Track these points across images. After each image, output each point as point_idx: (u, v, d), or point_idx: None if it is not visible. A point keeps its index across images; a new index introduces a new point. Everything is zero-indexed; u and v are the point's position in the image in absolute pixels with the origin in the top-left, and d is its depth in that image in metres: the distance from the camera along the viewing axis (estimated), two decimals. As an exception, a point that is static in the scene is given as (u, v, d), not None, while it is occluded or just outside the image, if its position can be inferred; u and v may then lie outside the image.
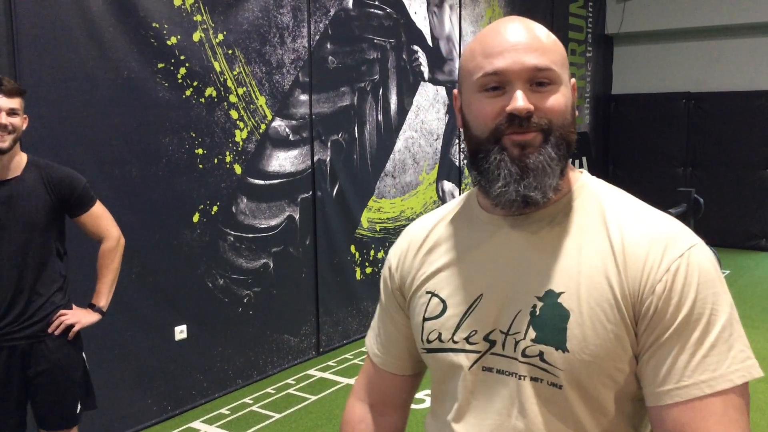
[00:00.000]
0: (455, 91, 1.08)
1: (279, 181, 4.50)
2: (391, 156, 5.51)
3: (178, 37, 3.79)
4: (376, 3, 5.22)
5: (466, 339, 1.05)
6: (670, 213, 3.44)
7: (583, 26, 8.58)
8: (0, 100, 2.33)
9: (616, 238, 0.98)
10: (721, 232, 8.30)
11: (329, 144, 4.88)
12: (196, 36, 3.89)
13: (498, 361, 1.03)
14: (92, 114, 3.40)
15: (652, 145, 9.04)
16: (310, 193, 4.74)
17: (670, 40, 8.86)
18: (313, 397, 4.20)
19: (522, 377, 1.00)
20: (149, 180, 3.70)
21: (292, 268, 4.65)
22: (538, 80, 0.97)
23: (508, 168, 0.97)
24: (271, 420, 3.90)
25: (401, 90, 5.53)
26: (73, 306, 2.60)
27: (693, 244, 0.97)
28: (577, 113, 1.08)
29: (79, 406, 2.58)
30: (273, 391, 4.30)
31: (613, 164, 9.44)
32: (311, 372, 4.61)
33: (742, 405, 0.93)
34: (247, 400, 4.18)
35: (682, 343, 0.93)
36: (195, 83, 3.90)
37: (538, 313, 0.99)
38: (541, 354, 0.98)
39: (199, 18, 3.90)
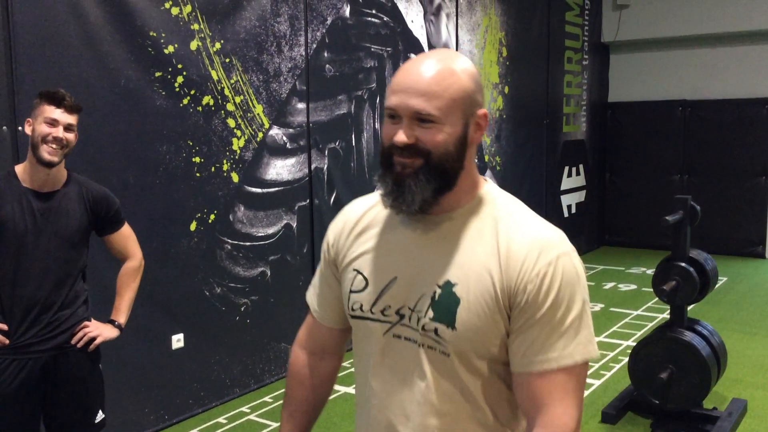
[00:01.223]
0: None
1: (276, 189, 4.50)
2: (389, 164, 5.51)
3: (176, 45, 3.79)
4: (373, 11, 5.23)
5: (382, 311, 1.30)
6: (666, 220, 3.40)
7: (580, 34, 8.61)
8: (61, 114, 2.37)
9: (503, 242, 1.24)
10: (717, 240, 8.31)
11: (326, 152, 4.88)
12: (194, 45, 3.90)
13: (405, 331, 1.29)
14: (89, 122, 3.40)
15: (648, 153, 9.05)
16: (308, 201, 4.74)
17: (666, 48, 8.89)
18: (311, 406, 4.18)
19: (421, 345, 1.27)
20: (146, 188, 3.70)
21: (290, 277, 4.65)
22: (421, 118, 1.21)
23: (387, 182, 1.25)
24: (268, 429, 3.89)
25: (398, 98, 5.53)
26: (93, 320, 2.61)
27: (562, 252, 1.23)
28: (480, 140, 1.29)
29: (98, 417, 2.61)
30: (270, 400, 4.29)
31: (610, 172, 9.45)
32: (309, 380, 4.60)
33: (580, 378, 1.23)
34: (244, 408, 4.16)
35: (541, 327, 1.21)
36: (192, 92, 3.91)
37: (437, 298, 1.25)
38: (435, 330, 1.24)
39: (196, 27, 3.91)
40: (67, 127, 2.38)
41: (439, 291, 1.24)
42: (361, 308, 1.33)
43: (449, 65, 1.24)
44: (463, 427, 1.28)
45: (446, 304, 1.23)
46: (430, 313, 1.24)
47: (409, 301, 1.27)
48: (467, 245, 1.25)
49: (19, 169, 2.45)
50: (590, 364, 1.29)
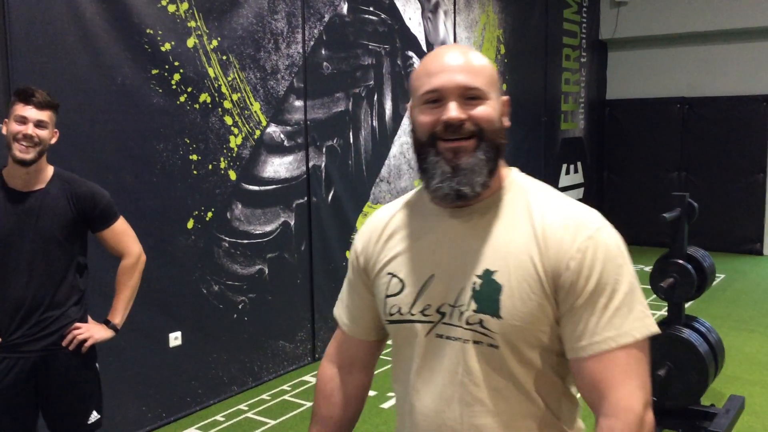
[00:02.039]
0: (408, 103, 1.29)
1: (274, 187, 4.50)
2: (387, 161, 5.51)
3: (172, 43, 3.79)
4: (371, 9, 5.23)
5: (422, 312, 1.26)
6: (664, 217, 3.41)
7: (578, 32, 8.61)
8: (30, 111, 2.34)
9: (538, 225, 1.20)
10: (715, 237, 8.32)
11: (324, 150, 4.88)
12: (190, 42, 3.89)
13: (448, 329, 1.23)
14: (86, 120, 3.40)
15: (646, 150, 9.06)
16: (305, 198, 4.74)
17: (664, 45, 8.89)
18: (309, 404, 4.19)
19: (466, 341, 1.21)
20: (143, 186, 3.69)
21: (288, 274, 4.64)
22: (469, 95, 1.19)
23: (441, 168, 1.20)
24: (266, 426, 3.89)
25: (396, 96, 5.54)
26: (89, 320, 2.59)
27: (599, 226, 1.20)
28: (508, 123, 1.28)
29: (91, 417, 2.58)
30: (268, 398, 4.29)
31: (608, 169, 9.46)
32: (307, 378, 4.60)
33: (642, 357, 1.16)
34: (242, 406, 4.16)
35: (591, 307, 1.15)
36: (189, 89, 3.90)
37: (477, 288, 1.20)
38: (480, 321, 1.19)
39: (193, 24, 3.90)
40: (38, 124, 2.34)
41: (479, 281, 1.20)
42: (399, 311, 1.28)
43: (475, 52, 1.26)
44: (518, 425, 1.21)
45: (488, 293, 1.19)
46: (473, 305, 1.20)
47: (449, 297, 1.23)
48: (502, 232, 1.22)
49: (5, 170, 2.43)
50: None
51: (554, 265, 1.17)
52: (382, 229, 1.36)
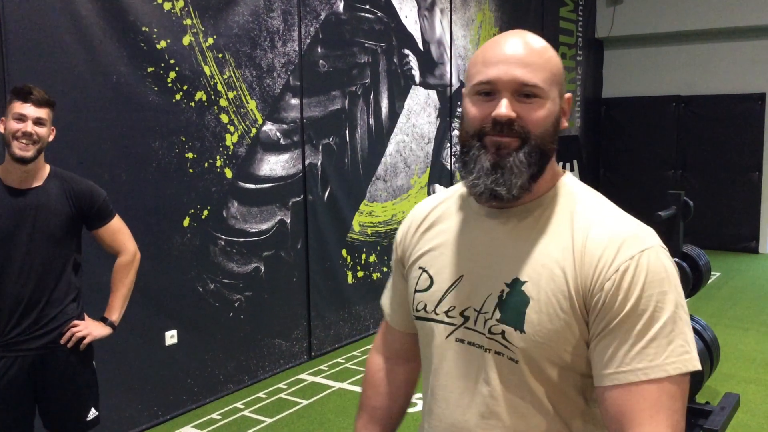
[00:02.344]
0: (464, 90, 1.19)
1: (270, 185, 4.49)
2: (383, 160, 5.51)
3: (168, 41, 3.78)
4: (367, 7, 5.22)
5: (446, 312, 1.20)
6: (659, 216, 3.40)
7: (574, 30, 8.61)
8: (28, 109, 2.35)
9: (579, 237, 1.10)
10: (711, 235, 8.34)
11: (320, 148, 4.87)
12: (186, 40, 3.88)
13: (470, 335, 1.17)
14: (82, 118, 3.39)
15: (642, 148, 9.07)
16: (302, 197, 4.73)
17: (660, 43, 8.90)
18: (305, 402, 4.19)
19: (488, 350, 1.15)
20: (139, 184, 3.69)
21: (284, 272, 4.64)
22: (525, 92, 1.09)
23: (481, 163, 1.11)
24: (262, 425, 3.89)
25: (392, 94, 5.53)
26: (86, 317, 2.60)
27: (648, 246, 1.07)
28: (566, 124, 1.18)
29: (90, 414, 2.60)
30: (264, 396, 4.29)
31: (604, 167, 9.47)
32: (303, 376, 4.60)
33: (677, 393, 1.03)
34: (238, 404, 4.16)
35: (624, 333, 1.04)
36: (185, 87, 3.89)
37: (504, 297, 1.13)
38: (503, 333, 1.12)
39: (188, 22, 3.89)
40: (37, 121, 2.36)
41: (507, 290, 1.12)
42: (425, 309, 1.22)
43: (543, 41, 1.15)
44: None
45: (515, 304, 1.11)
46: (497, 314, 1.12)
47: (475, 302, 1.16)
48: (540, 240, 1.12)
49: (1, 167, 2.43)
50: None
51: (587, 283, 1.07)
52: (421, 220, 1.30)
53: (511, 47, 1.11)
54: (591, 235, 1.09)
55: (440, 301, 1.20)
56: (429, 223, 1.28)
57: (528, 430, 1.14)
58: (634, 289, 1.04)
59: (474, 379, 1.16)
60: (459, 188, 1.28)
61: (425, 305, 1.23)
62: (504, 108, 1.09)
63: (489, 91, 1.11)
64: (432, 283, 1.22)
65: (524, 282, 1.11)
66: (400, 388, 1.41)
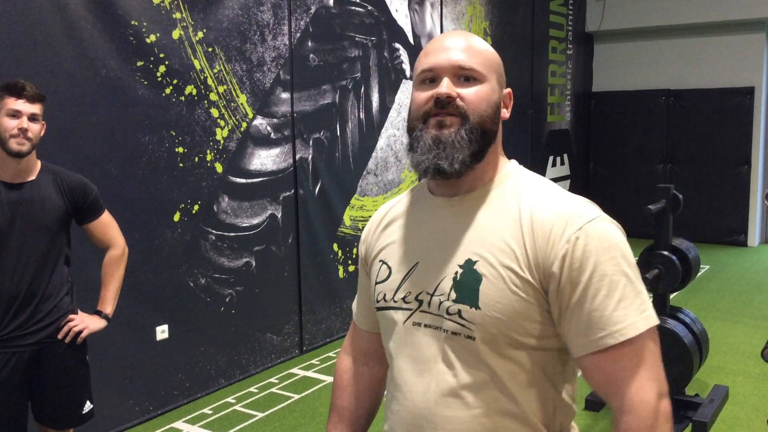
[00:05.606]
0: (412, 84, 1.30)
1: (261, 179, 4.48)
2: (374, 154, 5.50)
3: (157, 34, 3.76)
4: (357, 0, 5.21)
5: (403, 299, 1.25)
6: (649, 209, 3.43)
7: (564, 24, 8.62)
8: (23, 105, 2.36)
9: (526, 216, 1.16)
10: (700, 228, 8.38)
11: (311, 142, 4.86)
12: (176, 34, 3.86)
13: (426, 318, 1.22)
14: (71, 112, 3.37)
15: (632, 142, 9.10)
16: (293, 191, 4.73)
17: (650, 37, 8.92)
18: (296, 396, 4.19)
19: (445, 331, 1.19)
20: (129, 179, 3.67)
21: (275, 267, 4.63)
22: (464, 75, 1.19)
23: (424, 140, 1.19)
24: (254, 419, 3.89)
25: (383, 88, 5.53)
26: (79, 311, 2.60)
27: (592, 217, 1.14)
28: (507, 116, 1.28)
29: (85, 408, 2.62)
30: (256, 390, 4.29)
31: (594, 161, 9.50)
32: (294, 371, 4.60)
33: (652, 347, 1.12)
34: (229, 399, 4.16)
35: (591, 300, 1.11)
36: (175, 81, 3.87)
37: (458, 278, 1.18)
38: (459, 312, 1.17)
39: (178, 15, 3.87)
40: (31, 117, 2.37)
41: (460, 271, 1.18)
42: (384, 298, 1.28)
43: (479, 38, 1.26)
44: (494, 422, 1.17)
45: (468, 283, 1.16)
46: (453, 295, 1.18)
47: (429, 285, 1.21)
48: (489, 221, 1.19)
49: None
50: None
51: (542, 257, 1.13)
52: (380, 219, 1.37)
53: (451, 40, 1.22)
54: (537, 212, 1.16)
55: (398, 288, 1.26)
56: (388, 220, 1.35)
57: (486, 407, 1.17)
58: (588, 258, 1.11)
59: (433, 360, 1.20)
60: (416, 188, 1.36)
61: (384, 295, 1.28)
62: (444, 87, 1.17)
63: (432, 78, 1.20)
64: (390, 273, 1.28)
65: (476, 261, 1.17)
66: (368, 388, 1.45)
